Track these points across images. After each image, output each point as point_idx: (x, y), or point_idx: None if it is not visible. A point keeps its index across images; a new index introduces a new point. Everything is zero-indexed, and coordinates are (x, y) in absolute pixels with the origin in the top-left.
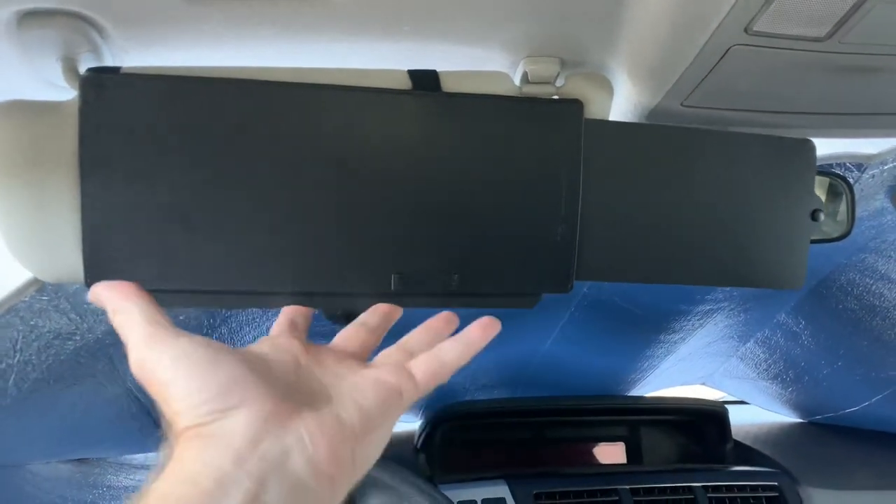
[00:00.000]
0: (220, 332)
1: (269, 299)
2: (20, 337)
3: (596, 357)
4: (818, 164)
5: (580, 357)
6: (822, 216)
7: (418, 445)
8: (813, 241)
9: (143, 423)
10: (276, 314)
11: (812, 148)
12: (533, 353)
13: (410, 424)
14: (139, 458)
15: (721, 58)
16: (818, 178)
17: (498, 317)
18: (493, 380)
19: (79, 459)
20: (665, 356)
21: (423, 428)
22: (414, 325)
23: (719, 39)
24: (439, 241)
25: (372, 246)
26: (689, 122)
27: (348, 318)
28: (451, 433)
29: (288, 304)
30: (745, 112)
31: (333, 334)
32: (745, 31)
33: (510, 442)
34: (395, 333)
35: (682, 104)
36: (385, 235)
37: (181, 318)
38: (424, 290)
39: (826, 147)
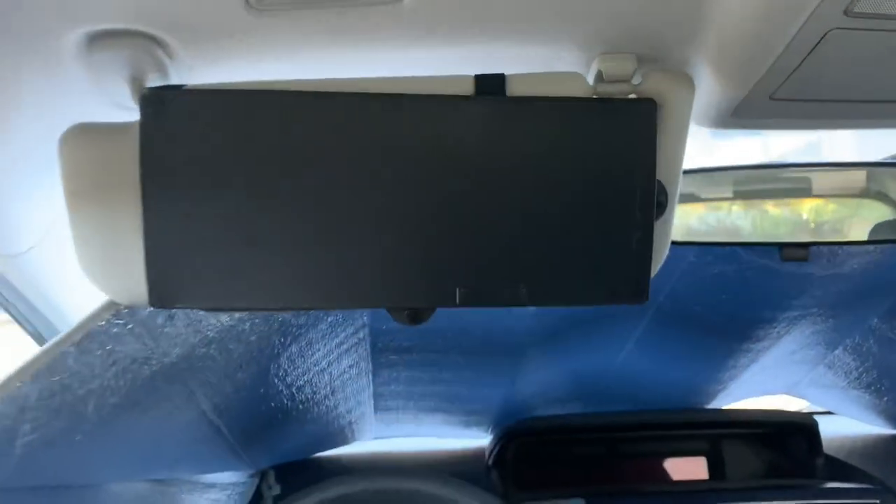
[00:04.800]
0: (290, 351)
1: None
2: (98, 362)
3: (673, 368)
4: None
5: (656, 369)
6: None
7: (490, 462)
8: None
9: (216, 444)
10: (346, 328)
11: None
12: (606, 365)
13: (481, 440)
14: (209, 477)
15: (816, 44)
16: None
17: (572, 324)
18: (565, 394)
19: (153, 479)
20: (748, 366)
21: (495, 444)
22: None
23: (815, 24)
24: (507, 252)
25: (436, 259)
26: (776, 116)
27: (413, 318)
28: (523, 449)
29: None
30: (839, 103)
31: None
32: (845, 12)
33: (585, 458)
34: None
35: (770, 97)
36: (450, 248)
37: (253, 338)
38: (491, 301)
39: None
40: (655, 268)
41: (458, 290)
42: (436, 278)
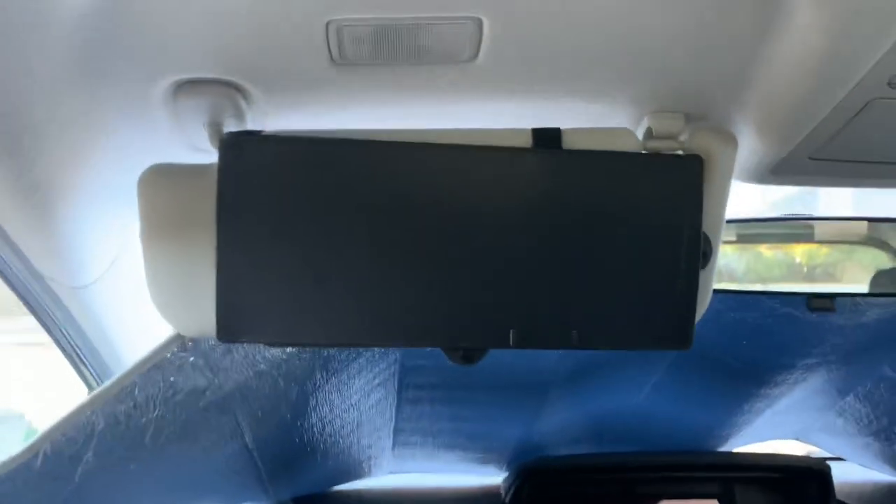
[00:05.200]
0: (330, 385)
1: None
2: (160, 393)
3: (689, 411)
4: None
5: (672, 411)
6: None
7: (507, 500)
8: None
9: (247, 475)
10: (379, 363)
11: None
12: (624, 406)
13: (495, 478)
14: None
15: (859, 111)
16: None
17: (597, 366)
18: (582, 433)
19: None
20: (762, 411)
21: (512, 483)
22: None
23: (859, 93)
24: (559, 296)
25: (492, 302)
26: (814, 174)
27: (466, 358)
28: (539, 488)
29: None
30: (876, 164)
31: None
32: (889, 84)
33: (599, 497)
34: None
35: (810, 157)
36: (505, 291)
37: (299, 372)
38: (542, 344)
39: None
40: (699, 315)
41: (511, 331)
42: (491, 320)
